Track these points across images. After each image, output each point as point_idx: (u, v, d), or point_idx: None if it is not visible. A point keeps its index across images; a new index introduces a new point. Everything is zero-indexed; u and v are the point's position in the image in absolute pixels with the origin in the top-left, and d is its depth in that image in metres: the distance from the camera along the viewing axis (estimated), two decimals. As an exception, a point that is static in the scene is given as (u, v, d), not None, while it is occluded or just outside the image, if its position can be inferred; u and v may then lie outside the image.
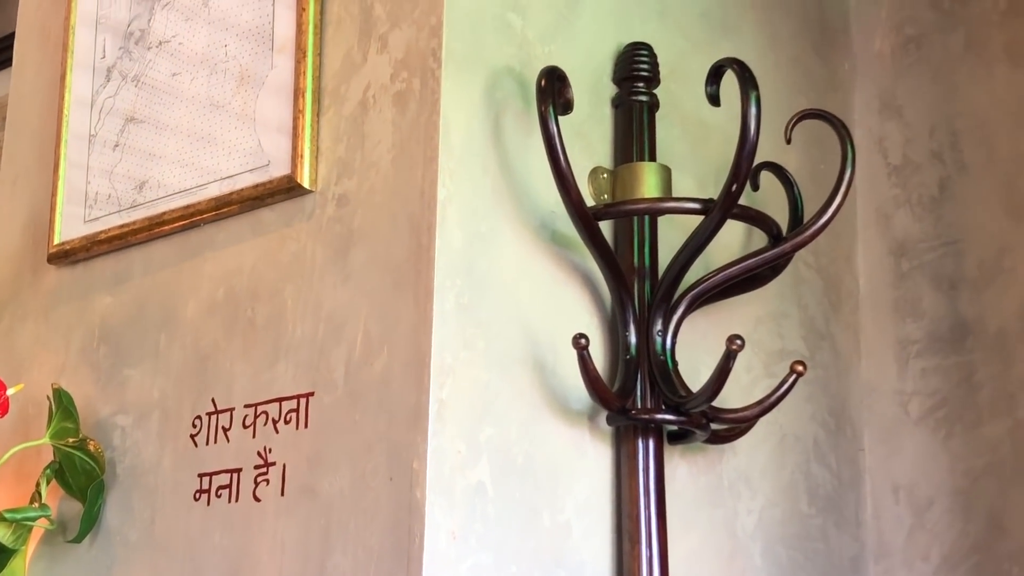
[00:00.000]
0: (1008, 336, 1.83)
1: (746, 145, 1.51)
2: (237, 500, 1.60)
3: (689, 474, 1.67)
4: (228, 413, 1.65)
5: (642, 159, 1.67)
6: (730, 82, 1.55)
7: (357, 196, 1.57)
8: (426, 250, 1.48)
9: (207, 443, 1.66)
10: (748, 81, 1.51)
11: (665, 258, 1.64)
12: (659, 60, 1.72)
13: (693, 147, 1.78)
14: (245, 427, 1.62)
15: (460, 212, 1.51)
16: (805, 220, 1.66)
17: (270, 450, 1.58)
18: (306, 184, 1.61)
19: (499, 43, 1.59)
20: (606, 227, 1.64)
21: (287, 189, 1.63)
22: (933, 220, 1.93)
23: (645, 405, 1.58)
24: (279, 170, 1.64)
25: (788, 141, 1.63)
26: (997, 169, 1.88)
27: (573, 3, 1.68)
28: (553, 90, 1.53)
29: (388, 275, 1.52)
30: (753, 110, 1.50)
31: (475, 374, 1.48)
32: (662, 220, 1.67)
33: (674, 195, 1.66)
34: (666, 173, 1.65)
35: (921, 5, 2.00)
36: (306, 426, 1.55)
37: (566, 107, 1.55)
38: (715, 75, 1.60)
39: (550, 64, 1.57)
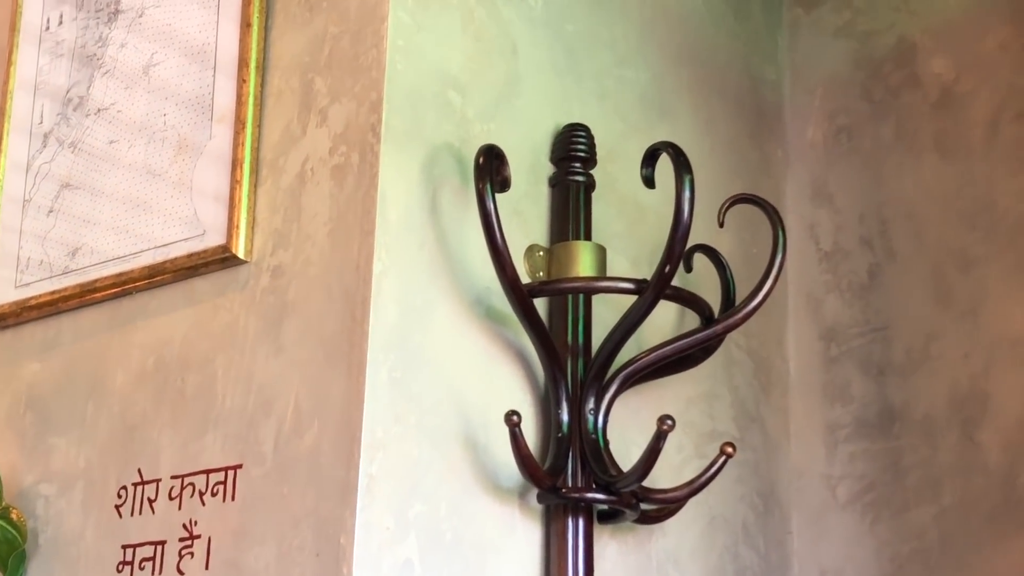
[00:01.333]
0: (935, 422, 1.85)
1: (680, 227, 1.53)
2: (161, 573, 1.57)
3: (618, 553, 1.67)
4: (154, 484, 1.62)
5: (578, 238, 1.68)
6: (666, 165, 1.58)
7: (292, 268, 1.57)
8: (360, 323, 1.48)
9: (132, 514, 1.63)
10: (682, 165, 1.54)
11: (599, 337, 1.65)
12: (596, 141, 1.74)
13: (628, 227, 1.80)
14: (171, 499, 1.60)
15: (395, 286, 1.51)
16: (737, 303, 1.68)
17: (196, 523, 1.56)
18: (241, 254, 1.61)
19: (439, 120, 1.60)
20: (541, 304, 1.64)
21: (222, 259, 1.62)
22: (862, 306, 1.96)
23: (576, 484, 1.58)
24: (214, 240, 1.64)
25: (721, 224, 1.65)
26: (925, 257, 1.91)
27: (513, 83, 1.70)
28: (491, 168, 1.54)
29: (321, 348, 1.51)
30: (687, 193, 1.52)
31: (406, 449, 1.47)
32: (596, 299, 1.69)
33: (609, 274, 1.67)
34: (601, 252, 1.66)
35: (853, 96, 2.04)
36: (233, 499, 1.54)
37: (503, 185, 1.57)
38: (650, 158, 1.63)
39: (489, 142, 1.58)
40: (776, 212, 1.65)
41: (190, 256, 1.66)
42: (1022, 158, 1.82)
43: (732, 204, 1.66)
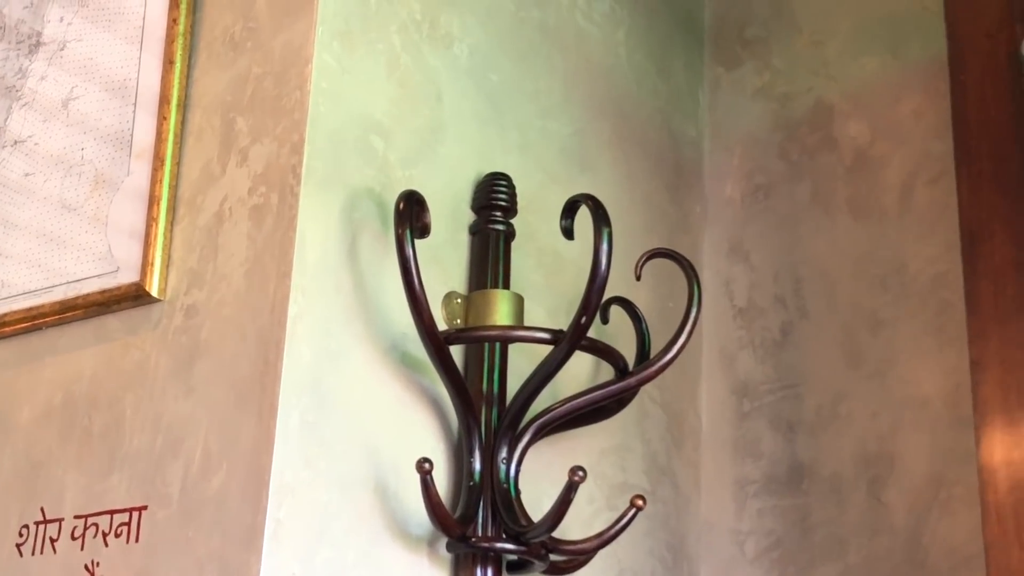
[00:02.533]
0: (842, 481, 1.87)
1: (597, 279, 1.54)
2: (59, 615, 1.54)
3: (526, 605, 1.66)
4: (57, 523, 1.59)
5: (496, 286, 1.68)
6: (585, 217, 1.59)
7: (206, 308, 1.56)
8: (273, 366, 1.47)
9: (33, 553, 1.60)
10: (601, 217, 1.55)
11: (514, 386, 1.65)
12: (518, 191, 1.75)
13: (547, 277, 1.81)
14: (74, 539, 1.57)
15: (310, 329, 1.50)
16: (652, 356, 1.69)
17: (98, 564, 1.53)
18: (154, 293, 1.59)
19: (360, 164, 1.60)
20: (457, 352, 1.64)
21: (135, 296, 1.60)
22: (774, 363, 1.98)
23: (486, 533, 1.57)
24: (128, 277, 1.62)
25: (638, 278, 1.66)
26: (836, 317, 1.94)
27: (437, 130, 1.71)
28: (411, 214, 1.54)
29: (232, 389, 1.49)
30: (605, 246, 1.54)
31: (315, 495, 1.46)
32: (513, 348, 1.69)
33: (526, 324, 1.68)
34: (519, 301, 1.67)
35: (771, 155, 2.07)
36: (137, 540, 1.51)
37: (423, 231, 1.57)
38: (570, 209, 1.64)
39: (410, 188, 1.58)
40: (692, 267, 1.67)
41: (103, 293, 1.64)
42: (933, 222, 1.86)
43: (649, 258, 1.68)
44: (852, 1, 2.04)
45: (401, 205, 1.54)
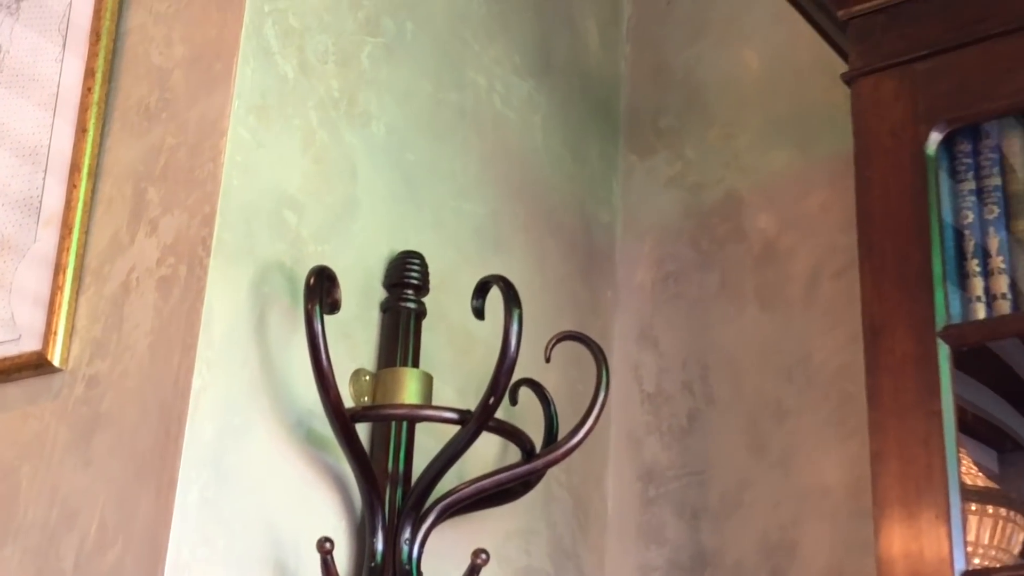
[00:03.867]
0: (745, 569, 1.88)
1: (506, 360, 1.54)
2: None
3: None
4: (-57, 596, 1.54)
5: (405, 364, 1.68)
6: (498, 297, 1.59)
7: (109, 379, 1.53)
8: (174, 439, 1.45)
9: (-84, 628, 1.55)
10: (512, 299, 1.56)
11: (420, 465, 1.64)
12: (430, 270, 1.76)
13: (457, 357, 1.81)
14: (-40, 613, 1.52)
15: (214, 403, 1.48)
16: (559, 439, 1.69)
17: (-17, 640, 1.49)
18: (56, 362, 1.56)
19: (272, 238, 1.59)
20: (363, 430, 1.63)
21: (36, 365, 1.58)
22: (680, 450, 1.99)
23: (386, 615, 1.55)
24: (30, 345, 1.59)
25: (547, 360, 1.67)
26: (741, 406, 1.96)
27: (351, 207, 1.71)
28: (321, 289, 1.54)
29: (132, 463, 1.47)
30: (515, 327, 1.54)
31: (212, 572, 1.43)
32: (420, 427, 1.68)
33: (434, 403, 1.67)
34: (427, 380, 1.66)
35: (682, 243, 2.10)
36: (26, 615, 1.47)
37: (333, 307, 1.56)
38: (481, 290, 1.64)
39: (322, 263, 1.58)
40: (601, 351, 1.68)
41: (3, 360, 1.61)
42: (838, 315, 1.89)
43: (559, 341, 1.68)
44: (763, 96, 2.08)
45: (311, 280, 1.53)
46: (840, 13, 1.66)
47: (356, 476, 1.59)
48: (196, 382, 1.47)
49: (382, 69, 1.79)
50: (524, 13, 2.07)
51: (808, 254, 1.97)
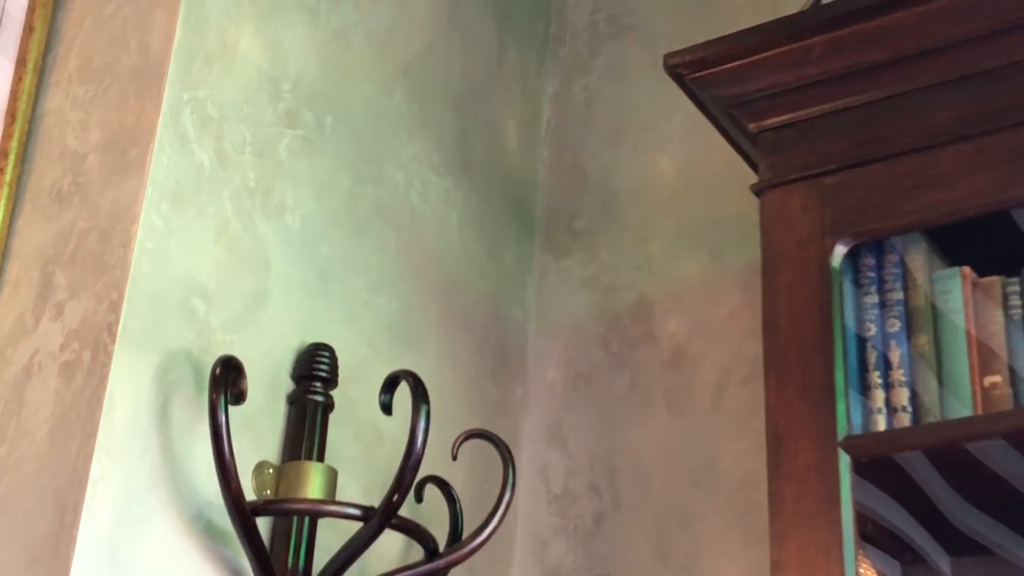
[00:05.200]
0: (648, 674, 1.87)
1: (412, 457, 1.53)
2: None
3: None
4: None
5: (310, 458, 1.66)
6: (407, 393, 1.59)
7: (5, 464, 1.50)
8: (69, 528, 1.42)
9: None
10: (420, 395, 1.55)
11: (321, 562, 1.62)
12: (340, 363, 1.75)
13: (364, 452, 1.80)
14: None
15: (112, 492, 1.45)
16: (464, 538, 1.68)
17: None
18: (-49, 444, 1.53)
19: (179, 326, 1.58)
20: (264, 524, 1.61)
21: (-70, 447, 1.54)
22: (586, 552, 1.98)
23: None
24: (-76, 426, 1.55)
25: (454, 458, 1.66)
26: (648, 509, 1.96)
27: (262, 297, 1.70)
28: (227, 379, 1.52)
29: (25, 550, 1.43)
30: (422, 423, 1.54)
31: (101, 666, 1.40)
32: (322, 523, 1.66)
33: (338, 498, 1.65)
34: (332, 475, 1.65)
35: (593, 345, 2.12)
36: None
37: (239, 398, 1.55)
38: (390, 385, 1.64)
39: (229, 353, 1.57)
40: (508, 450, 1.67)
41: None
42: (744, 421, 1.91)
43: (466, 439, 1.68)
44: (676, 203, 2.12)
45: (217, 370, 1.52)
46: (751, 126, 1.70)
47: (254, 571, 1.56)
48: (95, 470, 1.44)
49: (300, 161, 1.80)
50: (444, 112, 2.09)
51: (716, 360, 1.99)
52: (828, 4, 1.71)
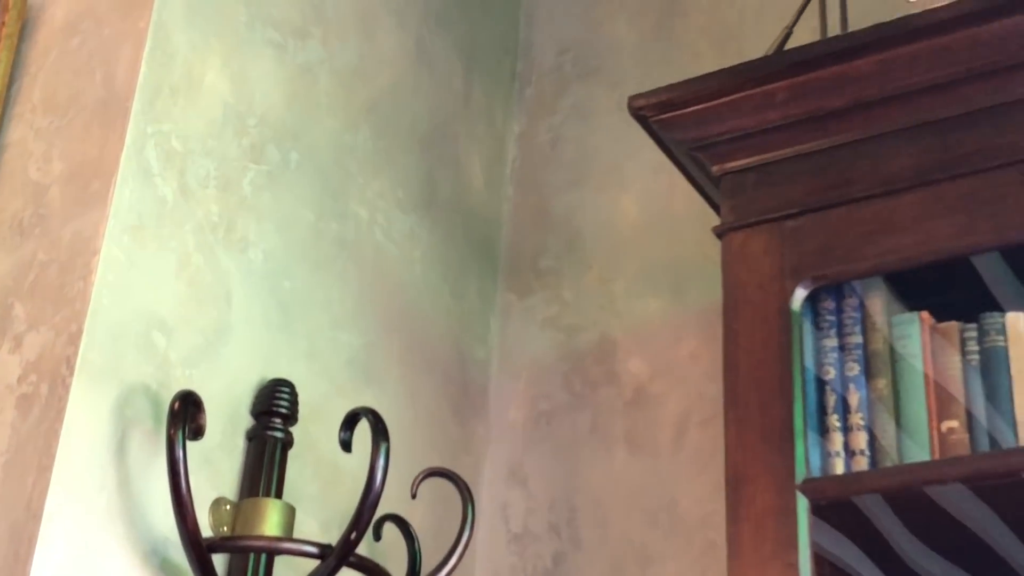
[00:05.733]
0: None
1: (370, 494, 1.53)
2: None
3: None
4: None
5: (268, 495, 1.65)
6: (367, 430, 1.58)
7: (-42, 496, 1.48)
8: (23, 563, 1.40)
9: None
10: (380, 432, 1.55)
11: (277, 599, 1.61)
12: (301, 400, 1.74)
13: (323, 489, 1.79)
14: None
15: (67, 527, 1.44)
16: (421, 577, 1.67)
17: None
18: (-96, 477, 1.51)
19: (139, 360, 1.57)
20: (221, 561, 1.59)
21: None
22: (545, 591, 1.98)
23: None
24: None
25: (413, 496, 1.66)
26: (607, 549, 1.96)
27: (222, 332, 1.70)
28: (186, 414, 1.52)
29: (-24, 585, 1.42)
30: (381, 461, 1.53)
31: None
32: (279, 560, 1.65)
33: (296, 536, 1.64)
34: (290, 512, 1.64)
35: (555, 384, 2.12)
36: None
37: (197, 433, 1.54)
38: (350, 422, 1.64)
39: (189, 388, 1.56)
40: (468, 489, 1.67)
41: None
42: (704, 463, 1.91)
43: (426, 477, 1.68)
44: (639, 244, 2.13)
45: (176, 405, 1.51)
46: (714, 168, 1.71)
47: (210, 608, 1.55)
48: (50, 504, 1.43)
49: (264, 196, 1.80)
50: (410, 149, 2.10)
51: (678, 401, 1.99)
52: (790, 50, 1.73)
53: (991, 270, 1.62)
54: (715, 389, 1.89)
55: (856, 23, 1.75)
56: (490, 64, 2.33)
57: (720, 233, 1.68)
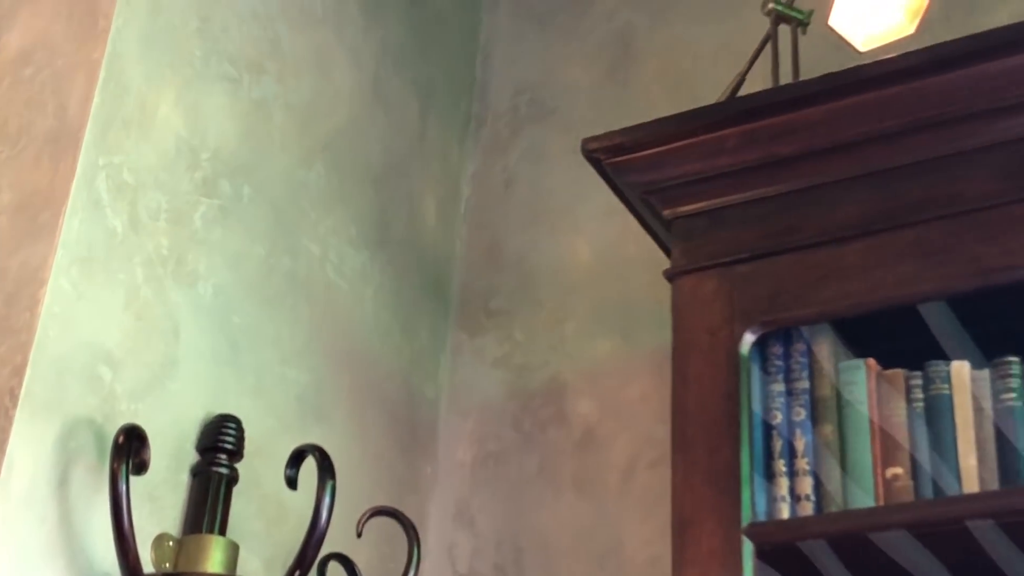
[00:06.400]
0: None
1: (315, 532, 1.52)
2: None
3: None
4: None
5: (212, 532, 1.63)
6: (314, 467, 1.58)
7: None
8: (-42, 597, 1.38)
9: None
10: (326, 469, 1.54)
11: (219, 638, 1.59)
12: (247, 436, 1.73)
13: (268, 527, 1.77)
14: None
15: (7, 562, 1.42)
16: (365, 617, 1.66)
17: None
18: None
19: (84, 393, 1.55)
20: (162, 597, 1.58)
21: None
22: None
23: None
24: None
25: (359, 535, 1.65)
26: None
27: (169, 366, 1.68)
28: (130, 448, 1.50)
29: (-90, 620, 1.39)
30: (326, 499, 1.53)
31: None
32: (221, 597, 1.63)
33: (239, 573, 1.63)
34: (233, 549, 1.62)
35: (505, 424, 2.11)
36: None
37: (141, 468, 1.52)
38: (296, 459, 1.63)
39: (134, 422, 1.55)
40: (414, 529, 1.66)
41: None
42: (651, 505, 1.91)
43: (372, 515, 1.67)
44: (591, 285, 2.14)
45: (120, 438, 1.50)
46: (666, 212, 1.72)
47: (150, 646, 1.53)
48: (-12, 538, 1.41)
49: (215, 230, 1.79)
50: (364, 186, 2.10)
51: (626, 443, 1.99)
52: (742, 97, 1.75)
53: (937, 319, 1.63)
54: (664, 431, 1.90)
55: (807, 72, 1.77)
56: (446, 104, 2.34)
57: (671, 276, 1.69)
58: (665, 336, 1.69)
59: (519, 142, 2.33)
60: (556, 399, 2.09)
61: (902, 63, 1.60)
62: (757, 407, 1.60)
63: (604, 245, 2.15)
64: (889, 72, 1.60)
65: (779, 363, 1.63)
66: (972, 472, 1.50)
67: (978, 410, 1.53)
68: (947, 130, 1.58)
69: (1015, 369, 1.53)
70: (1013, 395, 1.52)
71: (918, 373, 1.58)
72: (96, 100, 1.65)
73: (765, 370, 1.63)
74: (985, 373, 1.55)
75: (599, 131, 1.76)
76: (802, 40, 1.87)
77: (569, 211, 2.22)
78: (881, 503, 1.52)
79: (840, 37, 1.86)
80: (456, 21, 2.40)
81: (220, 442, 1.69)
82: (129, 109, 1.70)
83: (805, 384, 1.61)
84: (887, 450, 1.55)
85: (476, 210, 2.31)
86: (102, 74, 1.67)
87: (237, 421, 1.72)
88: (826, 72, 1.65)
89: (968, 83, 1.56)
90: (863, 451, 1.55)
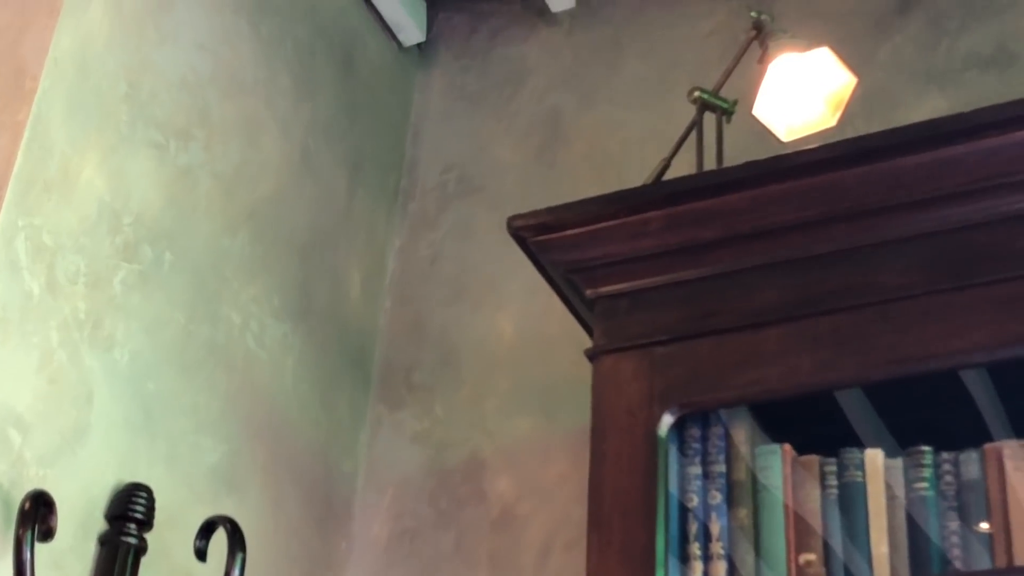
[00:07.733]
0: None
1: (223, 607, 1.49)
2: None
3: None
4: None
5: (117, 603, 1.60)
6: (224, 539, 1.55)
7: None
8: None
9: None
10: (237, 542, 1.52)
11: None
12: (158, 505, 1.70)
13: (175, 599, 1.74)
14: None
15: (-101, 629, 1.38)
16: None
17: None
18: None
19: (-9, 457, 1.52)
20: (61, 670, 1.53)
21: None
22: None
23: None
24: None
25: (268, 610, 1.62)
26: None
27: (81, 432, 1.65)
28: (36, 515, 1.47)
29: None
30: (236, 572, 1.50)
31: None
32: (124, 671, 1.59)
33: (141, 647, 1.59)
34: (139, 622, 1.59)
35: (422, 501, 2.10)
36: None
37: (47, 535, 1.49)
38: (207, 530, 1.60)
39: (41, 488, 1.51)
40: (325, 605, 1.64)
41: None
42: (568, 586, 1.90)
43: (282, 591, 1.64)
44: (513, 363, 2.14)
45: (27, 504, 1.47)
46: (588, 292, 1.73)
47: None
48: None
49: (134, 296, 1.77)
50: (288, 257, 2.09)
51: (543, 523, 1.98)
52: (667, 181, 1.78)
53: (853, 406, 1.65)
54: (581, 512, 1.88)
55: (731, 159, 1.80)
56: (375, 178, 2.34)
57: (591, 356, 1.69)
58: (586, 415, 1.69)
59: (446, 218, 2.34)
60: (474, 477, 2.08)
61: (823, 154, 1.63)
62: (674, 489, 1.60)
63: (527, 323, 2.16)
64: (810, 162, 1.63)
65: (697, 446, 1.63)
66: (884, 560, 1.51)
67: (891, 498, 1.54)
68: (866, 221, 1.60)
69: (928, 459, 1.55)
70: (925, 484, 1.53)
71: (833, 460, 1.59)
72: (19, 161, 1.64)
73: (683, 452, 1.63)
74: (898, 461, 1.56)
75: (525, 210, 1.77)
76: (726, 128, 1.90)
77: (493, 288, 2.22)
78: (794, 589, 1.52)
79: (764, 127, 1.90)
80: (388, 97, 2.41)
81: (130, 511, 1.66)
82: (52, 171, 1.68)
83: (722, 467, 1.61)
84: (801, 536, 1.55)
85: (401, 284, 2.31)
86: (26, 135, 1.65)
87: (148, 490, 1.69)
88: (749, 160, 1.67)
89: (887, 176, 1.59)
90: (777, 536, 1.56)
